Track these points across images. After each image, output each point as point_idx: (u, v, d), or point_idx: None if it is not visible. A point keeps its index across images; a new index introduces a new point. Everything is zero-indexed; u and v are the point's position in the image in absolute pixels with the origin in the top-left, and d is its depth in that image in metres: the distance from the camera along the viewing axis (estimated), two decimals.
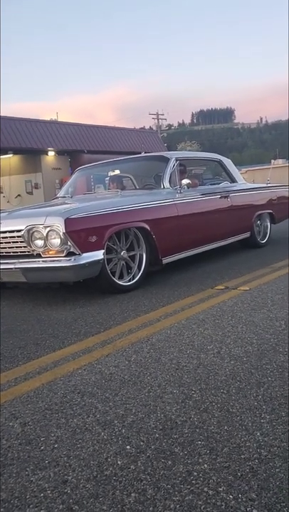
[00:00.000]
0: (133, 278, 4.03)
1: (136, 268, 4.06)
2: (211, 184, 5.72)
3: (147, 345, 2.57)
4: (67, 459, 1.55)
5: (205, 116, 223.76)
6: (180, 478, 1.39)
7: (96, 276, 3.66)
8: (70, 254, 3.51)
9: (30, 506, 1.33)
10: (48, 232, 3.51)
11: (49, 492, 1.39)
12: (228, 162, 5.96)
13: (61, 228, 3.43)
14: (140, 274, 4.07)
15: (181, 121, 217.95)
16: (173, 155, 4.96)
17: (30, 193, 19.00)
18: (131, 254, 4.04)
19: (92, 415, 1.84)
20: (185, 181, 4.61)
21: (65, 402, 1.98)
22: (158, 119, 41.93)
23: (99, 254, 3.61)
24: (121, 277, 3.95)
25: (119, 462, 1.50)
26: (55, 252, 3.54)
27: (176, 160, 4.82)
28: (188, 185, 4.62)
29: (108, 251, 3.78)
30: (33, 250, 3.62)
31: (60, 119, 27.93)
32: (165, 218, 4.32)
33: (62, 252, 3.51)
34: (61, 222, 3.44)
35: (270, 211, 6.19)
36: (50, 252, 3.56)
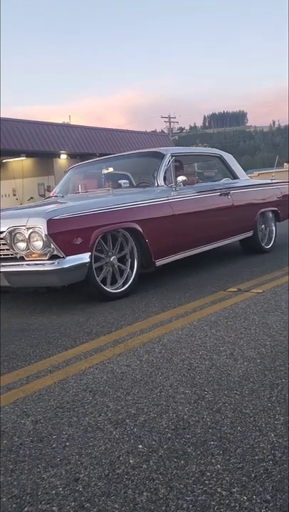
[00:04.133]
0: (123, 285, 3.82)
1: (125, 274, 3.84)
2: (212, 181, 5.50)
3: (159, 346, 2.56)
4: (79, 457, 1.54)
5: (217, 119, 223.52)
6: (193, 478, 1.38)
7: (83, 282, 3.48)
8: (54, 257, 3.33)
9: (42, 503, 1.32)
10: (30, 234, 3.32)
11: (61, 489, 1.38)
12: (229, 157, 5.64)
13: (43, 230, 3.24)
14: (131, 280, 3.84)
15: (192, 124, 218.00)
16: (168, 151, 4.65)
17: (43, 196, 19.14)
18: (121, 257, 3.83)
19: (103, 414, 1.83)
20: (180, 178, 4.37)
21: (76, 400, 1.97)
22: (170, 122, 41.97)
23: (85, 257, 3.41)
24: (114, 283, 3.78)
25: (131, 461, 1.49)
26: (38, 255, 3.35)
27: (172, 156, 4.55)
28: (185, 183, 4.39)
29: (96, 258, 3.58)
30: (16, 253, 3.44)
31: (72, 123, 28.07)
32: (158, 218, 4.09)
33: (46, 255, 3.32)
34: (43, 223, 3.25)
35: (275, 209, 5.82)
36: (33, 255, 3.38)
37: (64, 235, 3.35)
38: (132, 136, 24.92)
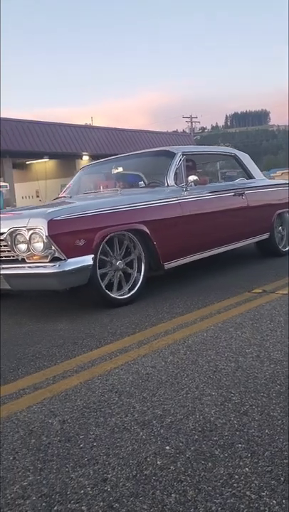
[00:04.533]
0: (129, 290, 3.68)
1: (132, 279, 3.71)
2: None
3: (184, 347, 2.55)
4: (107, 457, 1.55)
5: (239, 118, 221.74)
6: (221, 481, 1.37)
7: (86, 287, 3.37)
8: (55, 259, 3.22)
9: (71, 502, 1.34)
10: (31, 235, 3.22)
11: (89, 489, 1.39)
12: (244, 157, 5.42)
13: (44, 231, 3.14)
14: (138, 285, 3.70)
15: (214, 124, 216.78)
16: (179, 149, 4.49)
17: None
18: (128, 261, 3.69)
19: (130, 415, 1.83)
20: (192, 178, 4.20)
21: (103, 401, 1.98)
22: (191, 122, 41.84)
23: (87, 260, 3.29)
24: (119, 288, 3.64)
25: (158, 462, 1.49)
26: (39, 258, 3.25)
27: (183, 155, 4.38)
28: (196, 182, 4.23)
29: (101, 262, 3.45)
30: (17, 255, 3.35)
31: (94, 124, 28.25)
32: (167, 219, 3.94)
33: (47, 257, 3.21)
34: (44, 224, 3.15)
35: None
36: (34, 258, 3.28)
37: (65, 236, 3.25)
38: (154, 137, 24.93)
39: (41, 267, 3.23)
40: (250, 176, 5.34)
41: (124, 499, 1.33)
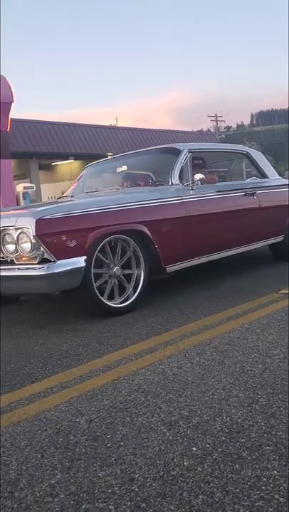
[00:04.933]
0: (127, 298, 3.48)
1: (131, 285, 3.50)
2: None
3: (210, 348, 2.54)
4: (134, 457, 1.56)
5: (265, 116, 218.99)
6: (249, 483, 1.36)
7: (78, 291, 3.21)
8: (44, 261, 3.04)
9: (99, 501, 1.35)
10: (19, 235, 3.05)
11: (116, 488, 1.40)
12: (257, 155, 5.16)
13: (31, 230, 2.96)
14: (137, 292, 3.49)
15: (240, 123, 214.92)
16: (186, 146, 4.25)
17: None
18: (126, 266, 3.50)
19: (156, 415, 1.84)
20: (198, 176, 4.01)
21: (129, 400, 1.99)
22: (216, 121, 41.58)
23: (79, 262, 3.09)
24: (116, 295, 3.44)
25: (185, 463, 1.49)
26: (28, 259, 3.07)
27: (190, 152, 4.16)
28: (202, 181, 4.03)
29: (96, 266, 3.27)
30: (6, 256, 3.19)
31: (119, 125, 28.37)
32: (169, 219, 3.75)
33: (35, 258, 3.04)
34: (32, 223, 2.98)
35: None
36: (23, 259, 3.10)
37: (55, 236, 3.06)
38: (178, 136, 24.89)
39: (30, 269, 3.07)
40: (263, 175, 5.08)
41: (152, 499, 1.33)
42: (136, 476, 1.45)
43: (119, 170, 4.69)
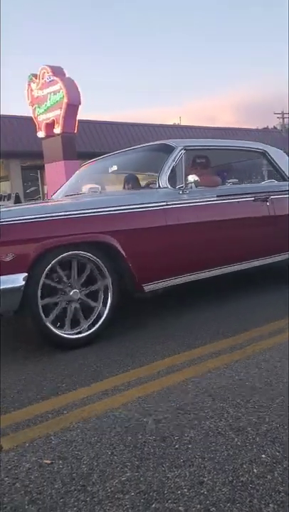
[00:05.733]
0: (89, 327, 2.91)
1: (95, 313, 2.96)
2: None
3: (278, 354, 2.50)
4: (202, 460, 1.57)
5: None
6: None
7: (19, 315, 2.76)
8: None
9: (169, 501, 1.37)
10: None
11: (186, 490, 1.42)
12: (277, 154, 4.40)
13: None
14: (102, 319, 2.95)
15: None
16: (180, 143, 3.63)
17: None
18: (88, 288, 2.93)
19: (224, 419, 1.84)
20: (192, 178, 3.39)
21: (196, 403, 2.00)
22: (283, 118, 40.41)
23: (15, 280, 2.59)
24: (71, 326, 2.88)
25: (255, 470, 1.48)
26: None
27: (185, 149, 3.55)
28: (197, 183, 3.42)
29: (47, 288, 2.76)
30: None
31: (182, 123, 28.33)
32: (147, 229, 3.18)
33: None
34: None
35: None
36: None
37: None
38: (242, 134, 24.45)
39: None
40: (283, 178, 4.32)
41: (221, 504, 1.34)
42: (205, 479, 1.47)
43: (111, 170, 4.22)
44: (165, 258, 3.24)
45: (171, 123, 28.52)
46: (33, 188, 21.62)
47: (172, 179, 3.43)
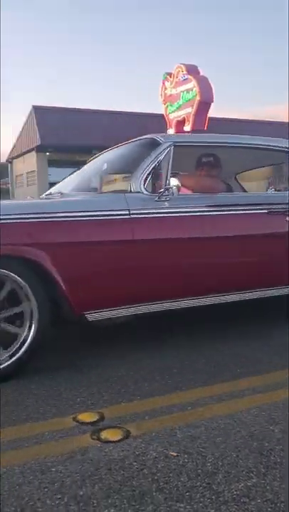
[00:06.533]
0: (11, 357, 2.37)
1: (18, 341, 2.39)
2: None
3: None
4: None
5: None
6: None
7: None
8: None
9: None
10: None
11: None
12: None
13: None
14: (24, 348, 2.38)
15: None
16: (168, 138, 2.98)
17: None
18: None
19: None
20: (173, 182, 2.75)
21: None
22: None
23: None
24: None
25: None
26: None
27: (175, 146, 2.90)
28: (179, 188, 2.76)
29: None
30: None
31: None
32: (90, 243, 2.56)
33: None
34: None
35: None
36: None
37: None
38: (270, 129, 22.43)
39: None
40: None
41: None
42: None
43: (103, 168, 3.63)
44: (116, 281, 2.63)
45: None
46: None
47: (151, 182, 2.81)
